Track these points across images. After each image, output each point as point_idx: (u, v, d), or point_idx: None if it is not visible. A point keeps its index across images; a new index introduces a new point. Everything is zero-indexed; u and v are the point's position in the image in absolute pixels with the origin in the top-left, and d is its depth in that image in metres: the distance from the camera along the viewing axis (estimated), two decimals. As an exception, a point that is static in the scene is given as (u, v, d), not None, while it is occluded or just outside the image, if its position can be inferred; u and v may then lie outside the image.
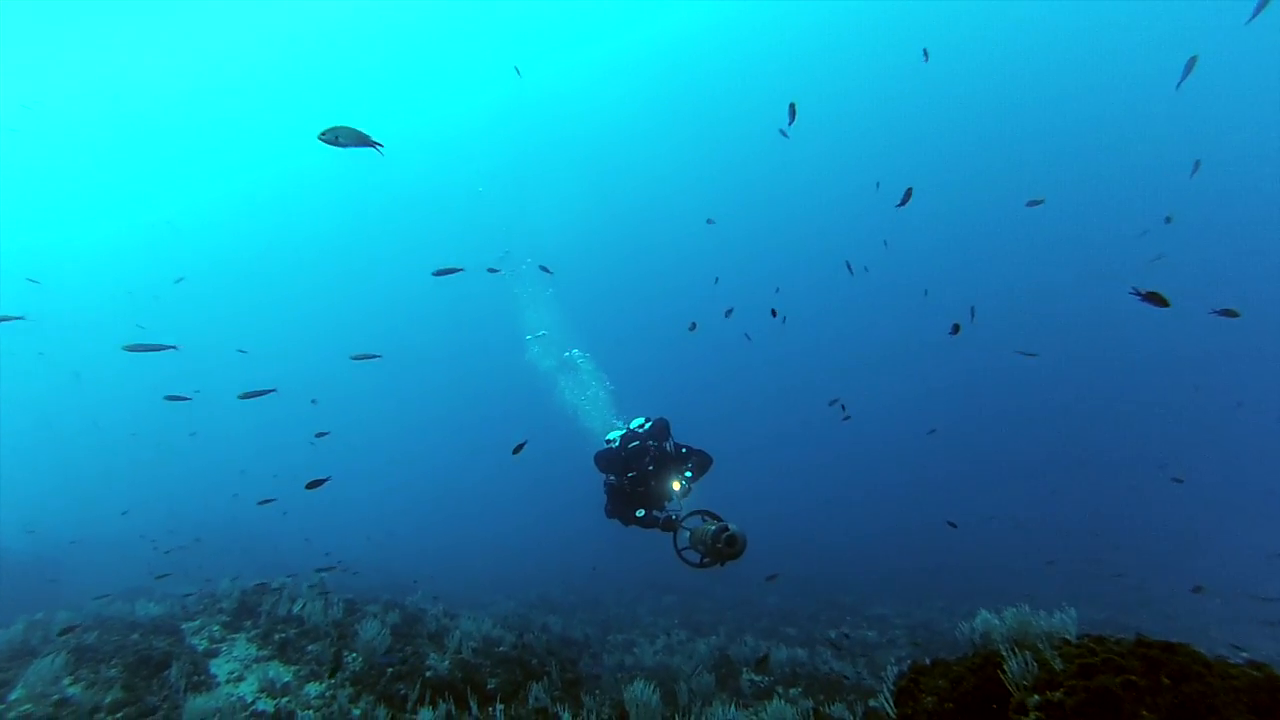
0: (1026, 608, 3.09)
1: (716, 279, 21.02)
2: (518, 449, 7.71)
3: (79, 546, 15.47)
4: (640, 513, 5.90)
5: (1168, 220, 15.64)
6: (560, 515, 29.18)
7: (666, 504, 5.90)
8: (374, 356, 6.73)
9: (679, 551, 5.19)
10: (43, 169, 40.14)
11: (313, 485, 5.33)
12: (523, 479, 40.76)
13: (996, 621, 3.22)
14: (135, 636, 5.32)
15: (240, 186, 44.91)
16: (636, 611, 12.76)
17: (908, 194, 7.46)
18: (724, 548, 4.18)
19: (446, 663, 5.89)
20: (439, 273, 7.21)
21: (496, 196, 42.70)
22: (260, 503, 6.34)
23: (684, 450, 6.14)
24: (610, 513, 6.87)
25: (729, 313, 11.23)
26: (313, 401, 22.16)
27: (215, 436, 37.90)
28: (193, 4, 33.76)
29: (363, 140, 3.55)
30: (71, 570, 14.21)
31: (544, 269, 13.17)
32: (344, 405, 46.26)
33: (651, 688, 5.44)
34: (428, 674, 5.57)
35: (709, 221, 20.54)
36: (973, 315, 8.88)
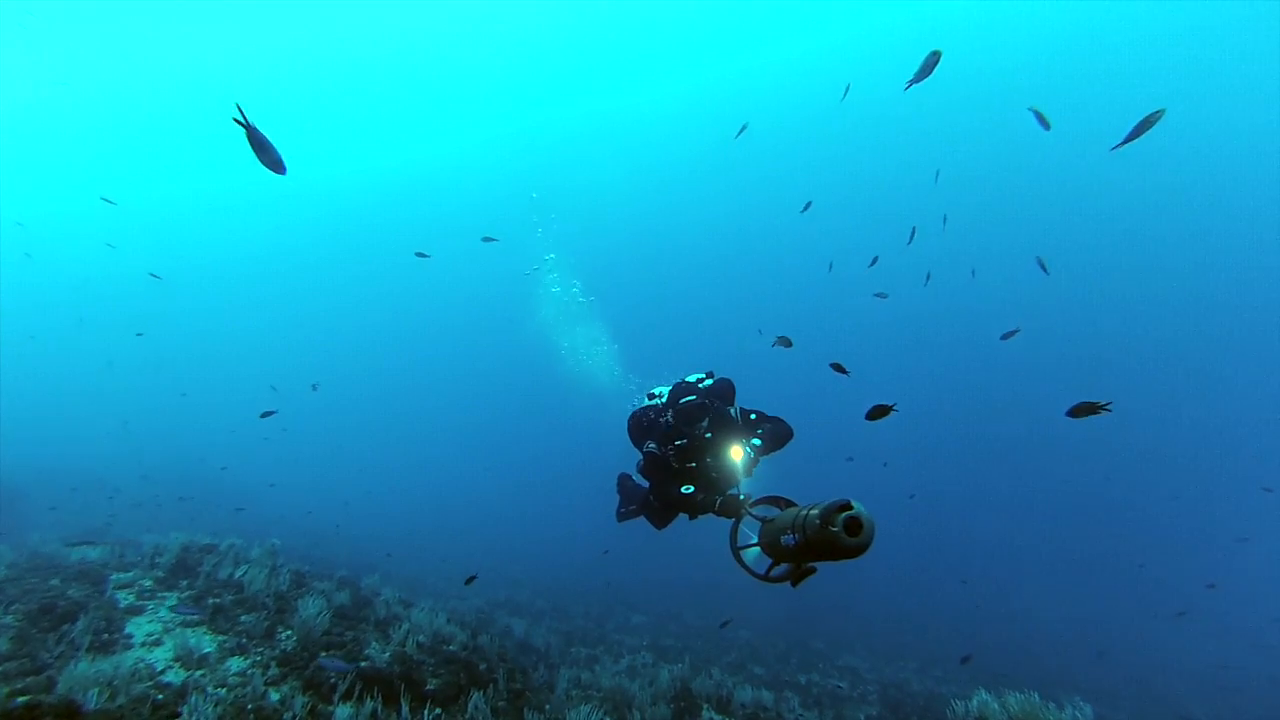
0: (1036, 695, 2.65)
1: (808, 204, 16.77)
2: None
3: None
4: (689, 489, 4.15)
5: None
6: (553, 510, 28.79)
7: (721, 495, 4.06)
8: None
9: (737, 551, 3.50)
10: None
11: None
12: (522, 467, 40.73)
13: (996, 706, 2.78)
14: (55, 582, 4.92)
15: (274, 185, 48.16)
16: (604, 627, 12.28)
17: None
18: (840, 535, 2.35)
19: (387, 655, 5.48)
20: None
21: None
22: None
23: (753, 416, 4.34)
24: (625, 513, 5.29)
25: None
26: (313, 387, 21.97)
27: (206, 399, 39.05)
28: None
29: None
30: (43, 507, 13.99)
31: (487, 239, 13.29)
32: (352, 388, 47.90)
33: (601, 713, 5.03)
34: (363, 665, 5.15)
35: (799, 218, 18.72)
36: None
